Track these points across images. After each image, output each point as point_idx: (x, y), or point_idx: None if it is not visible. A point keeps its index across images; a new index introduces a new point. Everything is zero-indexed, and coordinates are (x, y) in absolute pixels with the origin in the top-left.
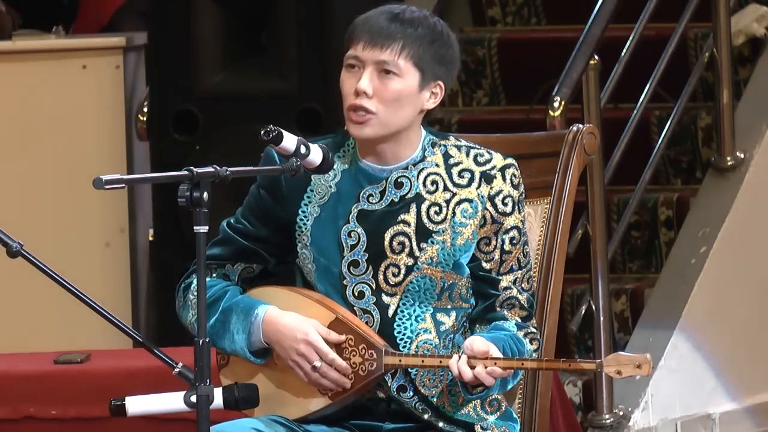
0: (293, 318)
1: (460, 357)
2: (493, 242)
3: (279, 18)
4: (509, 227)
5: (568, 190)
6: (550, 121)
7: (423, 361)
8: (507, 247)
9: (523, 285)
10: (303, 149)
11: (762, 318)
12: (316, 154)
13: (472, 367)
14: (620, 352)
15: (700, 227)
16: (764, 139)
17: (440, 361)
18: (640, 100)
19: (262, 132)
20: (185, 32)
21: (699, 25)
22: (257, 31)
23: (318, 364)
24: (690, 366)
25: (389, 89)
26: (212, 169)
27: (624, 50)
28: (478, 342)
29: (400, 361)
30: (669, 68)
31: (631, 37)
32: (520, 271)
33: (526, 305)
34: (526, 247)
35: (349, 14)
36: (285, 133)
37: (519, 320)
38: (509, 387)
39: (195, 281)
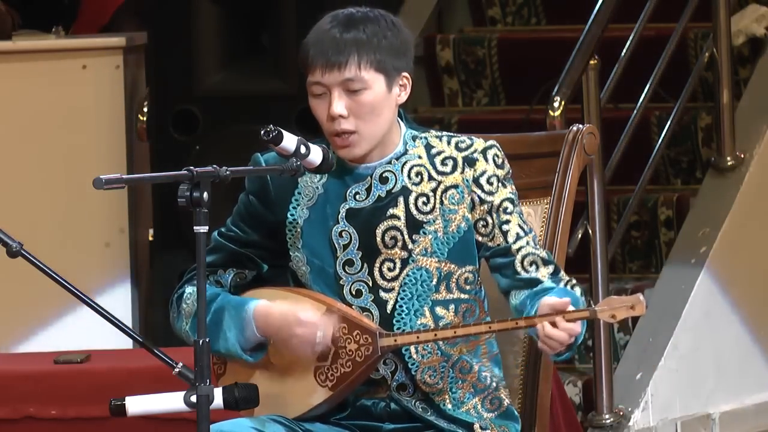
0: (281, 306)
1: (542, 323)
2: (490, 221)
3: (279, 18)
4: (499, 202)
5: (568, 190)
6: (550, 121)
7: (418, 337)
8: (503, 217)
9: (536, 245)
10: (303, 149)
11: (762, 318)
12: (316, 154)
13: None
14: (612, 296)
15: (700, 227)
16: (764, 139)
17: (435, 335)
18: (640, 100)
19: (262, 132)
20: (185, 32)
21: (699, 25)
22: (257, 31)
23: (320, 333)
24: (690, 366)
25: (362, 104)
26: (212, 169)
27: (624, 50)
28: (551, 299)
29: (395, 341)
30: (669, 68)
31: (631, 37)
32: (528, 236)
33: (548, 258)
34: (522, 216)
35: None
36: (285, 133)
37: (550, 275)
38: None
39: (187, 290)
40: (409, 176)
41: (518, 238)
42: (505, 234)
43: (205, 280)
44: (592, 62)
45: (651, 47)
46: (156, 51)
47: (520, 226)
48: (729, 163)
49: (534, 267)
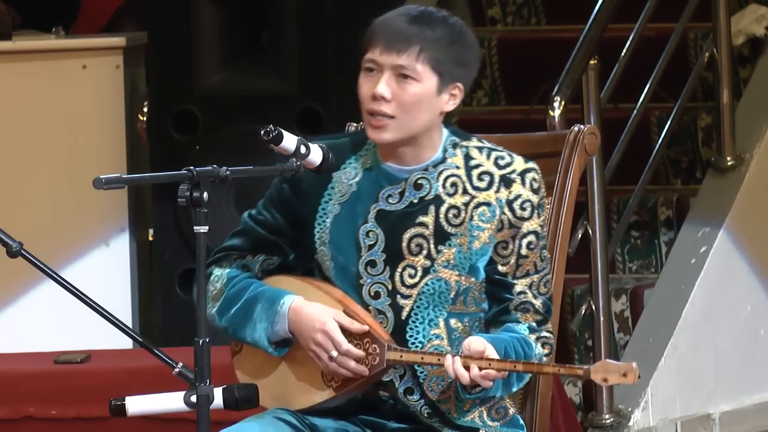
0: (315, 308)
1: (454, 357)
2: (511, 246)
3: (279, 18)
4: (527, 232)
5: (569, 190)
6: (550, 121)
7: (422, 358)
8: (524, 251)
9: (539, 289)
10: (303, 149)
11: (761, 318)
12: (316, 154)
13: (467, 368)
14: (608, 360)
15: (700, 227)
16: (764, 139)
17: (438, 359)
18: (640, 100)
19: (262, 132)
20: (185, 32)
21: (699, 25)
22: (257, 31)
23: (334, 353)
24: (690, 366)
25: (407, 93)
26: (212, 169)
27: (624, 50)
28: (475, 342)
29: (401, 357)
30: (669, 68)
31: (631, 37)
32: (536, 275)
33: (541, 310)
34: (544, 251)
35: (348, 14)
36: (285, 133)
37: (533, 324)
38: (514, 389)
39: (215, 272)
40: (444, 186)
41: (527, 275)
42: (517, 267)
43: (204, 280)
44: (592, 62)
45: (651, 47)
46: (156, 51)
47: (535, 264)
48: (729, 163)
49: (522, 312)
